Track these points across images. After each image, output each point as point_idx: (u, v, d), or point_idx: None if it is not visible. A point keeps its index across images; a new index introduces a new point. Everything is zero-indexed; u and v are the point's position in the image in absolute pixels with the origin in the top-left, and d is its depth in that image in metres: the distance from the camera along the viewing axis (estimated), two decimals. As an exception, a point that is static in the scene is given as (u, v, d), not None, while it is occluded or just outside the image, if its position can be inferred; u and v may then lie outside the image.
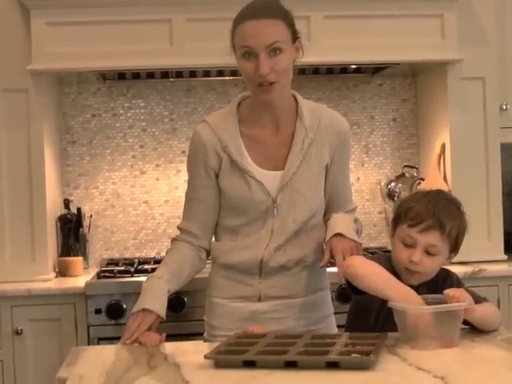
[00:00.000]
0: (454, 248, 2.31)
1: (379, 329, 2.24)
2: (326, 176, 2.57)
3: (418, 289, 2.27)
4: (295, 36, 2.46)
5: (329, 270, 2.62)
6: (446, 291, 2.12)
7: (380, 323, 2.28)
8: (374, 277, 2.22)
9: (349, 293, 2.38)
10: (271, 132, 2.54)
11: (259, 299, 2.53)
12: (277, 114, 2.52)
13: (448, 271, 2.40)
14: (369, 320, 2.31)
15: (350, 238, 2.40)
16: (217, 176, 2.53)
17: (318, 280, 2.59)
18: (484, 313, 2.19)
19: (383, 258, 2.40)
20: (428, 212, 2.24)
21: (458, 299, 2.08)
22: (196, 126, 2.62)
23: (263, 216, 2.51)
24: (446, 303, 2.09)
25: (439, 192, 2.43)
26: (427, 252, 2.24)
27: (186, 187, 2.62)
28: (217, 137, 2.51)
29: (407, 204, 2.32)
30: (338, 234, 2.40)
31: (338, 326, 2.69)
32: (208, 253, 2.62)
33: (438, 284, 2.33)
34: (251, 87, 2.47)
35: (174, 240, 2.64)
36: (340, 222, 2.47)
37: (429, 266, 2.26)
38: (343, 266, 2.29)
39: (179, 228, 2.64)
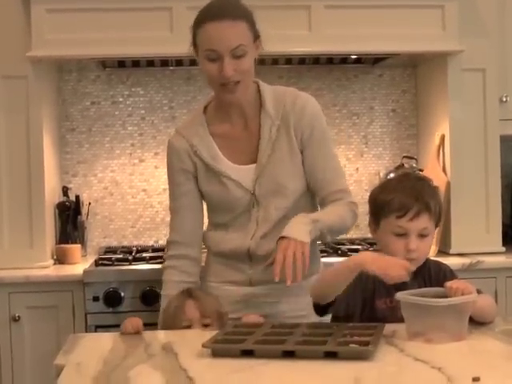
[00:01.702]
0: (438, 221, 2.33)
1: None
2: (303, 160, 2.57)
3: (411, 283, 2.26)
4: (256, 35, 2.50)
5: (324, 259, 2.63)
6: (449, 284, 2.11)
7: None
8: (325, 279, 2.26)
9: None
10: (240, 127, 2.59)
11: (250, 283, 2.57)
12: (242, 109, 2.57)
13: (439, 263, 2.41)
14: None
15: (293, 238, 2.35)
16: (196, 179, 2.61)
17: (310, 265, 2.59)
18: (483, 304, 2.19)
19: None
20: (411, 198, 2.25)
21: (464, 291, 2.07)
22: (169, 137, 2.72)
23: (247, 209, 2.57)
24: (447, 296, 2.08)
25: (408, 175, 2.44)
26: (420, 235, 2.25)
27: (169, 200, 2.70)
28: (188, 143, 2.60)
29: (385, 197, 2.30)
30: (284, 237, 2.37)
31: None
32: (199, 262, 2.66)
33: (431, 277, 2.32)
34: (214, 87, 2.53)
35: (164, 269, 2.68)
36: (290, 224, 2.42)
37: (424, 249, 2.28)
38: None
39: (168, 243, 2.70)
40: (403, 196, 2.26)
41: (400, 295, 2.10)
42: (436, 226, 2.32)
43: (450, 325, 2.05)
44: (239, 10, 2.46)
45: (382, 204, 2.30)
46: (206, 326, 2.36)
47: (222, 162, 2.55)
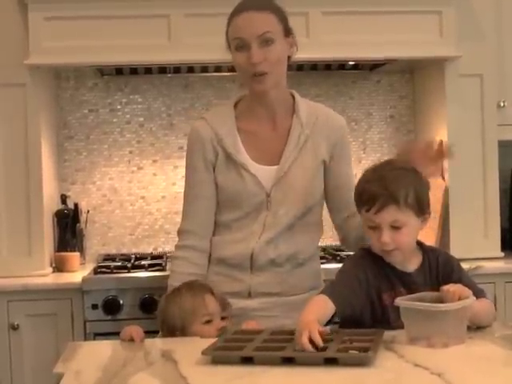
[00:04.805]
0: (421, 211, 2.25)
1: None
2: (327, 174, 2.58)
3: (416, 274, 2.27)
4: (288, 31, 2.50)
5: (323, 266, 2.63)
6: (446, 287, 2.10)
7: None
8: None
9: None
10: (268, 127, 2.57)
11: (249, 295, 2.53)
12: (272, 108, 2.55)
13: (449, 257, 2.37)
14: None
15: None
16: (214, 170, 2.55)
17: (311, 279, 2.59)
18: (479, 309, 2.18)
19: (360, 254, 2.36)
20: (377, 191, 2.20)
21: (461, 295, 2.07)
22: (193, 123, 2.65)
23: (257, 210, 2.53)
24: (443, 300, 2.08)
25: (385, 164, 2.34)
26: (393, 227, 2.21)
27: (184, 187, 2.62)
28: (214, 131, 2.55)
29: (358, 188, 2.29)
30: None
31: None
32: (208, 254, 2.60)
33: (438, 268, 2.30)
34: (245, 80, 2.52)
35: (174, 259, 2.63)
36: None
37: (401, 240, 2.22)
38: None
39: (179, 232, 2.64)
40: (370, 188, 2.22)
41: (399, 301, 2.10)
42: (420, 214, 2.24)
43: (450, 329, 2.04)
44: (269, 5, 2.48)
45: (356, 196, 2.30)
46: (223, 318, 2.35)
47: (244, 157, 2.53)
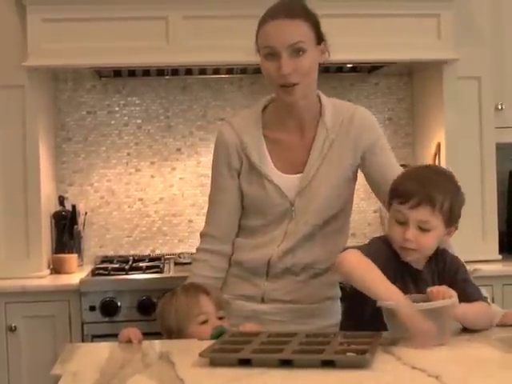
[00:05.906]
0: (450, 222, 2.27)
1: (375, 323, 2.21)
2: (367, 173, 2.54)
3: (426, 271, 2.28)
4: (320, 38, 2.44)
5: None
6: (430, 288, 2.12)
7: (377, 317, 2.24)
8: (363, 274, 2.19)
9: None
10: (295, 136, 2.52)
11: (262, 301, 2.53)
12: (301, 117, 2.50)
13: (457, 260, 2.38)
14: (364, 314, 2.29)
15: None
16: (239, 176, 2.53)
17: (327, 289, 2.56)
18: (466, 310, 2.17)
19: (380, 241, 2.35)
20: (417, 187, 2.21)
21: (444, 296, 2.07)
22: (220, 126, 2.63)
23: (281, 218, 2.50)
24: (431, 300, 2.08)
25: (428, 166, 2.39)
26: (420, 228, 2.22)
27: (210, 189, 2.62)
28: (239, 138, 2.51)
29: (397, 181, 2.30)
30: None
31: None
32: (229, 258, 2.59)
33: (444, 268, 2.32)
34: (274, 88, 2.45)
35: (194, 261, 2.63)
36: None
37: (424, 242, 2.23)
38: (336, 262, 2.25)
39: (201, 235, 2.63)
40: (411, 183, 2.24)
41: (380, 302, 2.10)
42: (448, 225, 2.26)
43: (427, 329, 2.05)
44: (300, 11, 2.40)
45: (392, 189, 2.30)
46: (220, 318, 2.34)
47: (268, 167, 2.49)
